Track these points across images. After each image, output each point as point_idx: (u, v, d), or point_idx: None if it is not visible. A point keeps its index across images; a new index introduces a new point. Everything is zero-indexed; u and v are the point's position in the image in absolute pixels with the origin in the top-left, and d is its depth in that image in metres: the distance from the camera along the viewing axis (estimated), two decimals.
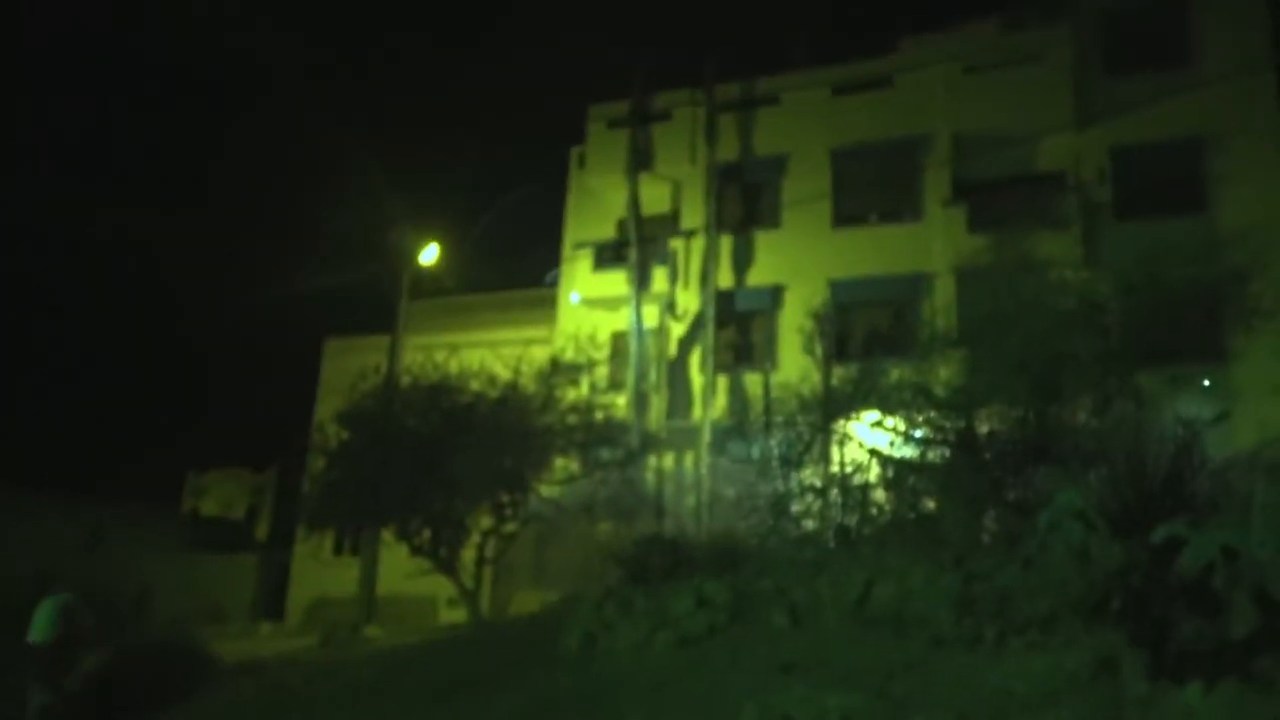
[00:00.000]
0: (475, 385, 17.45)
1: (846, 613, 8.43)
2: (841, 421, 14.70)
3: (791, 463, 14.87)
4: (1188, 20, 21.22)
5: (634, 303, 23.40)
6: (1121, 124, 20.90)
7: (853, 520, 12.89)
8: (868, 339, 21.84)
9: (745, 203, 24.53)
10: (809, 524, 13.69)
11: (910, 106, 22.73)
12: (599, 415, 18.80)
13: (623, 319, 23.81)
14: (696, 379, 23.00)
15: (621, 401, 22.25)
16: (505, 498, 17.29)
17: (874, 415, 13.99)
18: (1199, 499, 8.35)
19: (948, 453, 12.55)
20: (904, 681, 6.64)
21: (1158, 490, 8.39)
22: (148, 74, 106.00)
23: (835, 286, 22.09)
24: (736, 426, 19.97)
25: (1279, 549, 5.76)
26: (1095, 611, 6.52)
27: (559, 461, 18.11)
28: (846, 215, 23.16)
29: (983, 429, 12.35)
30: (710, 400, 22.26)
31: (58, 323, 68.09)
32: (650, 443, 21.28)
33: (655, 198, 24.84)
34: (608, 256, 24.60)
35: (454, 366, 17.87)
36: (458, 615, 19.00)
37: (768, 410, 18.60)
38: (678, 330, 23.77)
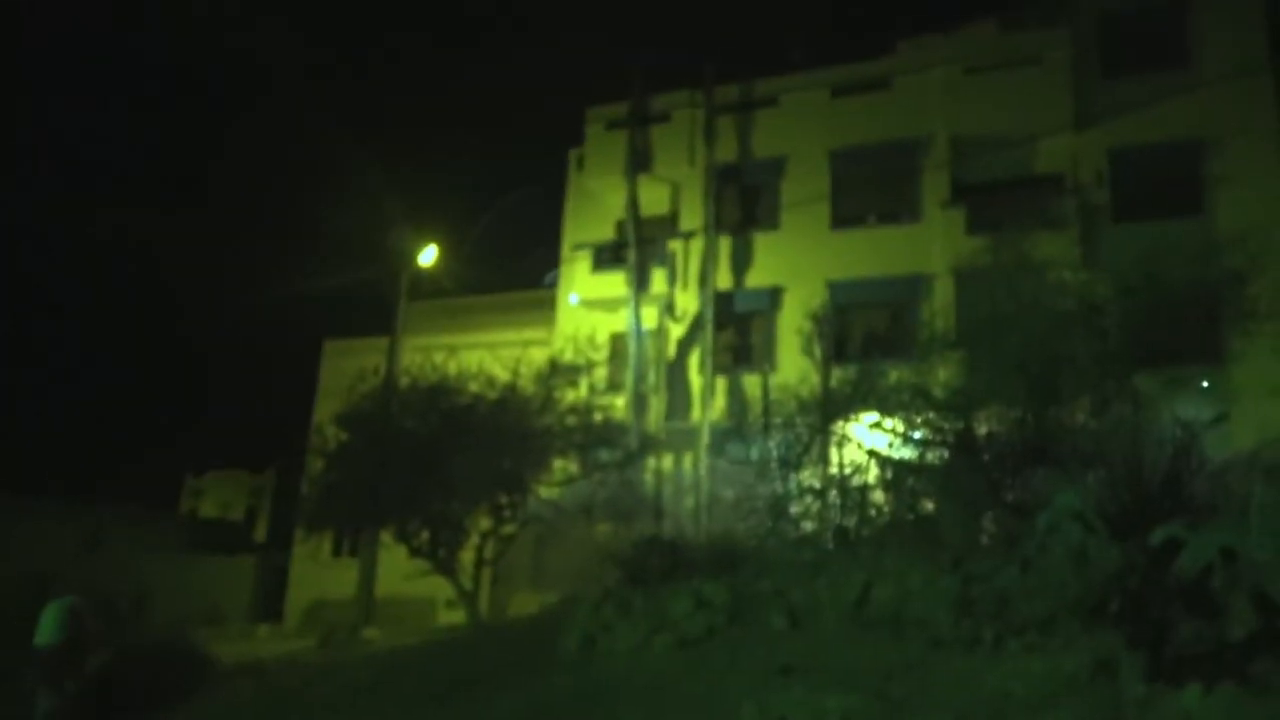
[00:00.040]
0: (474, 387, 17.44)
1: (845, 614, 8.43)
2: (840, 423, 14.69)
3: (790, 464, 14.86)
4: (1186, 22, 21.25)
5: (633, 304, 23.40)
6: (1120, 125, 20.93)
7: (851, 522, 12.89)
8: (866, 340, 21.86)
9: (744, 204, 24.55)
10: (808, 525, 13.69)
11: (909, 108, 22.75)
12: (598, 417, 18.80)
13: (621, 320, 23.82)
14: (695, 380, 23.01)
15: (620, 403, 22.26)
16: (504, 499, 17.28)
17: (873, 416, 13.98)
18: (1197, 500, 8.35)
19: (946, 454, 12.55)
20: (902, 683, 6.64)
21: (1156, 492, 8.39)
22: (148, 74, 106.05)
23: (834, 288, 22.11)
24: (735, 428, 19.98)
25: (1277, 550, 5.76)
26: (1094, 613, 6.52)
27: (558, 463, 18.10)
28: (845, 217, 23.18)
29: (981, 430, 12.35)
30: (709, 402, 22.26)
31: (58, 323, 68.12)
32: (649, 444, 21.28)
33: (654, 199, 24.86)
34: (606, 258, 24.61)
35: (453, 368, 17.87)
36: (456, 617, 18.99)
37: (766, 412, 18.61)
38: (676, 331, 23.78)
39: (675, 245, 24.09)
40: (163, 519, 34.19)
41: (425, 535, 17.08)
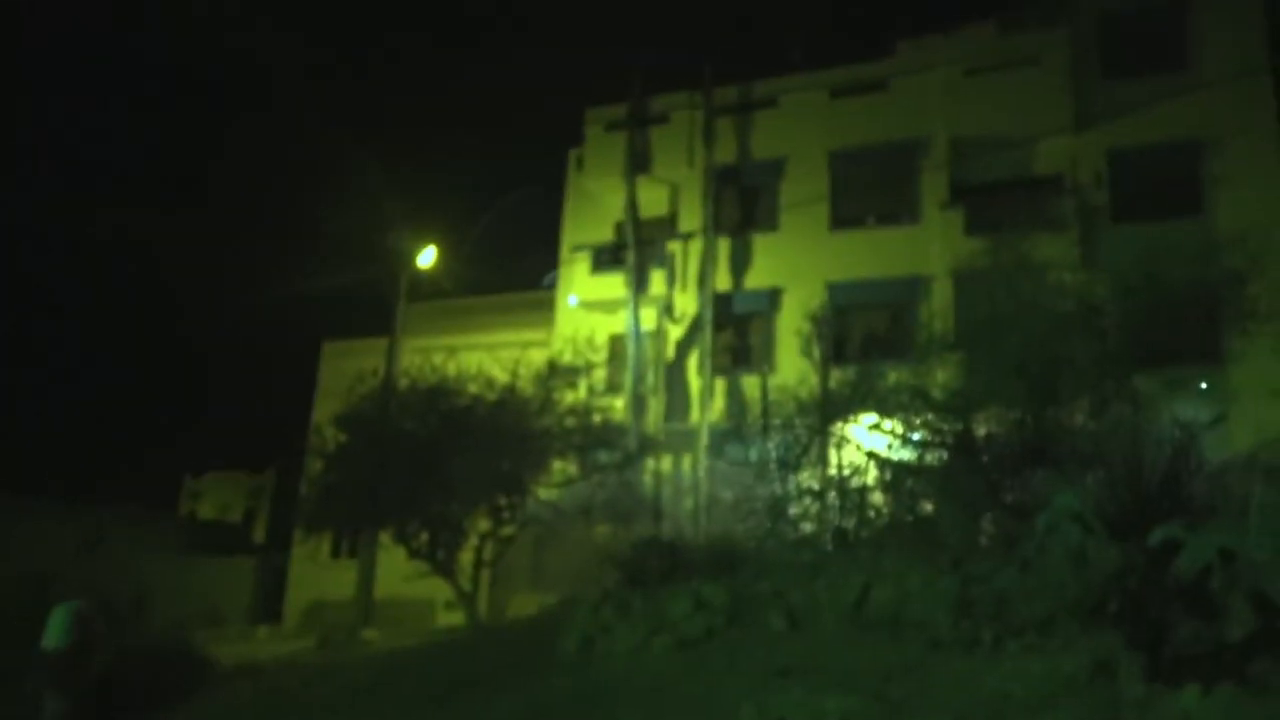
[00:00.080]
0: (473, 388, 17.44)
1: (844, 615, 8.43)
2: (839, 424, 14.68)
3: (789, 465, 14.85)
4: (1185, 23, 21.26)
5: (632, 305, 23.40)
6: (1119, 126, 20.94)
7: (850, 523, 12.89)
8: (865, 341, 21.86)
9: (743, 205, 24.55)
10: (807, 527, 13.68)
11: (908, 109, 22.75)
12: (597, 418, 18.80)
13: (620, 321, 23.82)
14: (694, 381, 23.01)
15: (619, 404, 22.25)
16: (503, 500, 17.28)
17: (872, 418, 13.98)
18: (1196, 501, 8.35)
19: (945, 455, 12.54)
20: (902, 684, 6.63)
21: (1155, 493, 8.40)
22: (148, 74, 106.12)
23: (833, 289, 22.11)
24: (734, 429, 19.97)
25: (1276, 551, 5.76)
26: (1093, 614, 6.52)
27: (557, 464, 18.10)
28: (844, 218, 23.18)
29: (980, 431, 12.35)
30: (708, 403, 22.25)
31: (58, 323, 68.13)
32: (648, 445, 21.29)
33: (653, 200, 24.86)
34: (605, 259, 24.61)
35: (452, 369, 17.87)
36: (455, 618, 18.98)
37: (765, 413, 18.60)
38: (675, 333, 23.78)
39: (674, 246, 24.09)
40: (162, 520, 34.13)
41: (424, 536, 17.08)
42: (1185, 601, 5.91)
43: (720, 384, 22.78)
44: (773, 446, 15.65)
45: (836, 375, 17.15)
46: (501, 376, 17.72)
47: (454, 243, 24.85)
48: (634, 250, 23.87)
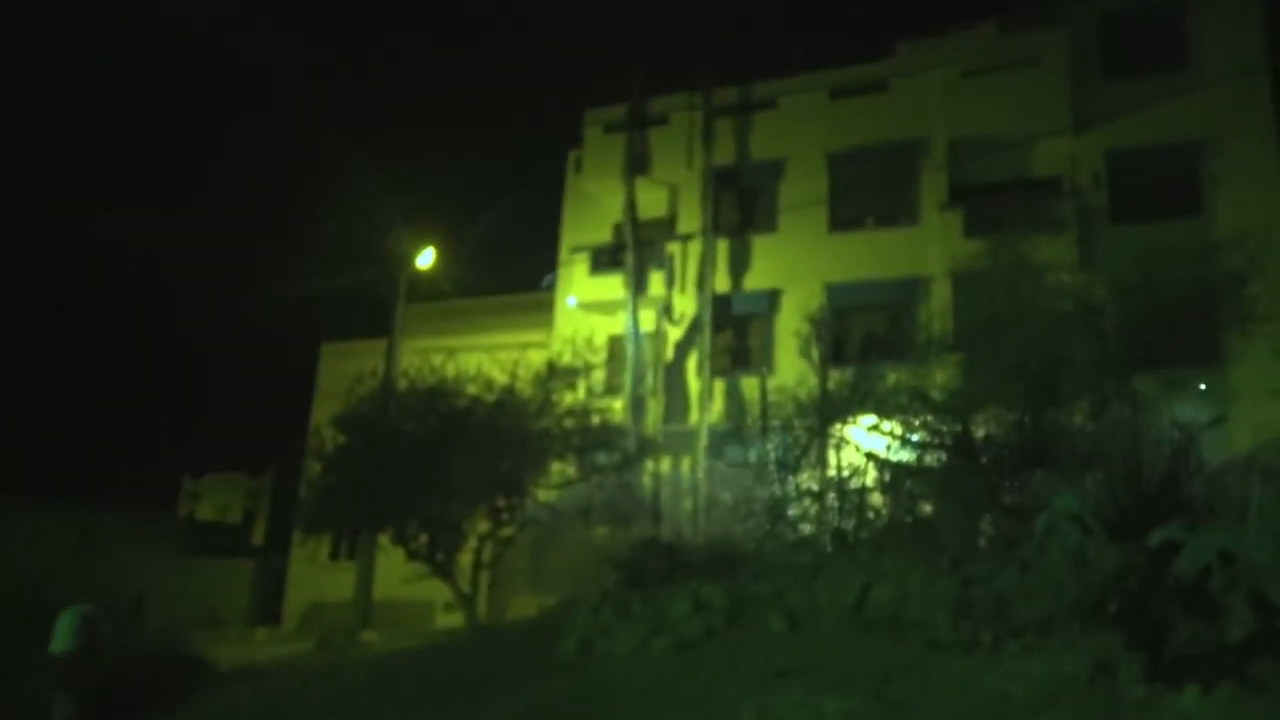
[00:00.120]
0: (472, 389, 17.44)
1: (844, 616, 8.42)
2: (838, 425, 14.68)
3: (788, 467, 14.85)
4: (1184, 24, 21.27)
5: (631, 307, 23.40)
6: (1118, 128, 20.94)
7: (850, 524, 12.87)
8: (864, 343, 21.87)
9: (742, 207, 24.56)
10: (806, 528, 13.66)
11: (907, 110, 22.76)
12: (596, 419, 18.81)
13: (619, 323, 23.82)
14: (693, 383, 23.01)
15: (618, 405, 22.25)
16: (502, 502, 17.28)
17: (871, 419, 13.98)
18: (1195, 502, 8.36)
19: (944, 457, 12.54)
20: (901, 685, 6.63)
21: (1154, 493, 8.40)
22: (148, 74, 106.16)
23: (832, 290, 22.11)
24: (733, 430, 19.97)
25: (1275, 552, 5.76)
26: (1092, 615, 6.51)
27: (556, 466, 18.10)
28: (843, 219, 23.18)
29: (979, 433, 12.35)
30: (707, 404, 22.25)
31: (58, 323, 68.14)
32: (647, 447, 21.28)
33: (652, 202, 24.86)
34: (604, 260, 24.61)
35: (451, 370, 17.87)
36: (454, 620, 18.96)
37: (764, 414, 18.60)
38: (674, 334, 23.78)
39: (673, 248, 24.10)
40: (161, 521, 34.15)
41: (423, 538, 17.08)
42: (1185, 602, 5.91)
43: (719, 385, 22.78)
44: (772, 448, 15.66)
45: (835, 376, 17.15)
46: (500, 378, 17.72)
47: (453, 244, 24.89)
48: (633, 251, 23.88)
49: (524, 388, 17.88)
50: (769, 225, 23.92)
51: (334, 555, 25.71)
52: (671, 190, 25.03)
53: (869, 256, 22.36)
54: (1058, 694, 5.91)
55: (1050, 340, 11.67)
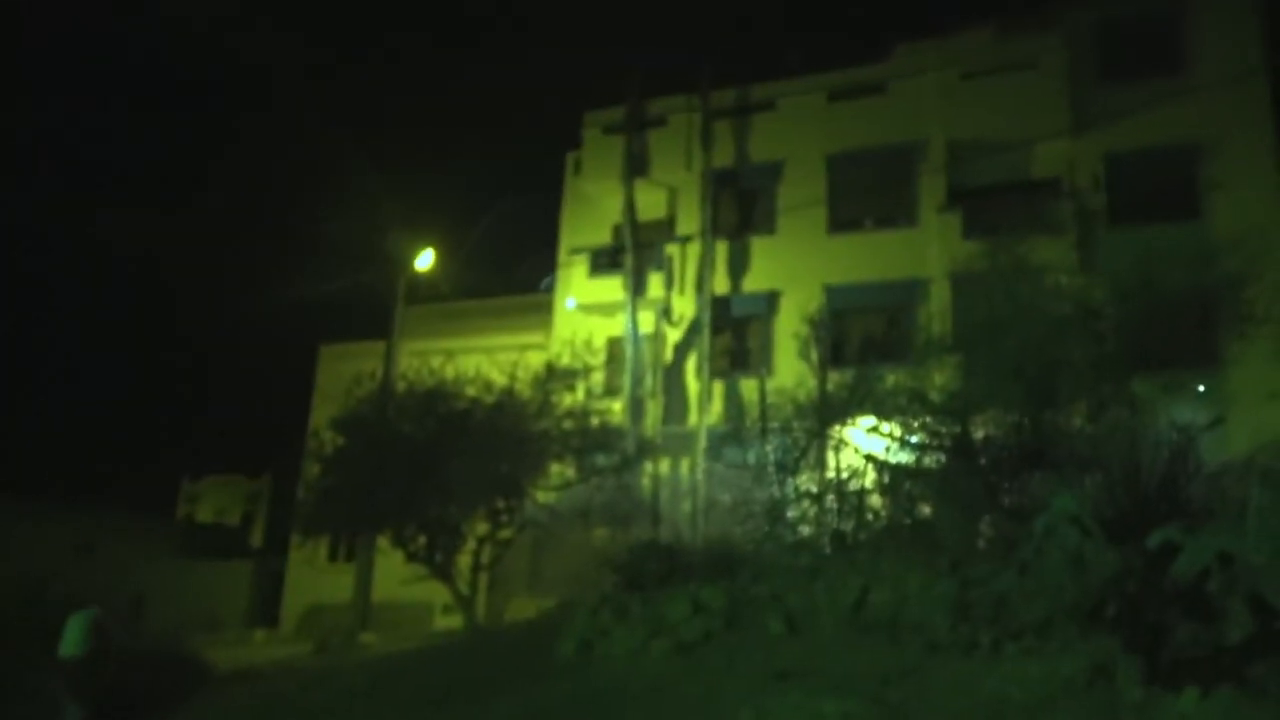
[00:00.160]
0: (471, 391, 17.42)
1: (842, 619, 8.43)
2: (837, 427, 14.70)
3: (787, 468, 14.86)
4: (1182, 27, 21.28)
5: (630, 308, 23.39)
6: (1116, 130, 20.94)
7: (848, 526, 12.88)
8: (863, 344, 21.85)
9: (741, 208, 24.55)
10: (805, 530, 13.67)
11: (906, 112, 22.77)
12: (595, 421, 18.79)
13: (618, 325, 23.81)
14: (692, 384, 23.00)
15: (617, 407, 22.24)
16: (501, 504, 17.27)
17: (870, 421, 13.99)
18: (1194, 504, 8.37)
19: (943, 458, 12.55)
20: (900, 687, 6.64)
21: (1153, 496, 8.41)
22: (148, 74, 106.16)
23: (831, 292, 22.09)
24: (732, 432, 19.97)
25: (1274, 554, 5.77)
26: (1091, 617, 6.52)
27: (555, 467, 18.08)
28: (842, 221, 23.18)
29: (978, 434, 12.35)
30: (706, 406, 22.25)
31: (58, 323, 68.10)
32: (646, 448, 21.27)
33: (651, 203, 24.86)
34: (603, 262, 24.60)
35: (449, 372, 17.85)
36: (453, 622, 18.96)
37: (763, 416, 18.62)
38: (673, 336, 23.77)
39: (672, 249, 24.09)
40: (159, 523, 34.15)
41: (422, 540, 17.06)
42: (1183, 604, 5.91)
43: (718, 387, 22.77)
44: (771, 449, 15.67)
45: (834, 378, 17.15)
46: (499, 379, 17.71)
47: (452, 245, 24.88)
48: (632, 253, 23.86)
49: (523, 389, 17.87)
50: (768, 227, 23.92)
51: (332, 557, 25.72)
52: (670, 192, 25.03)
53: (868, 258, 22.35)
54: (1056, 696, 5.92)
55: (1049, 342, 11.68)
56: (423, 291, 24.81)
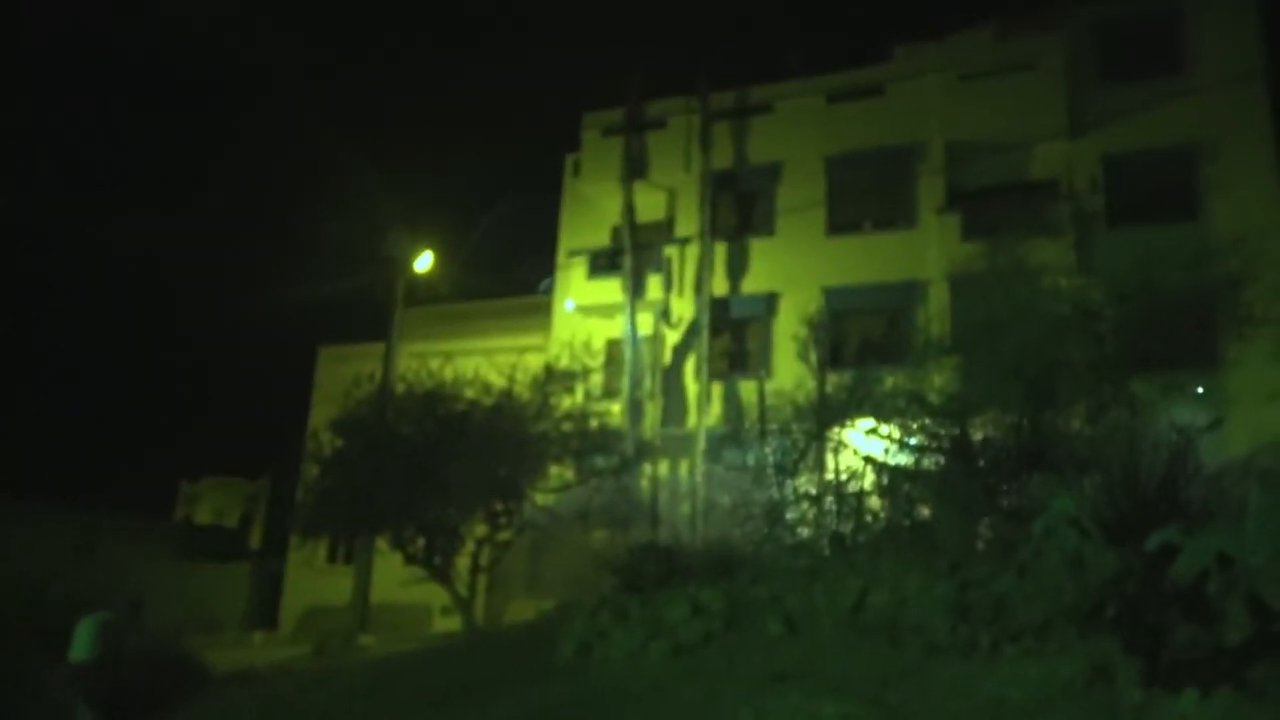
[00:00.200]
0: (470, 393, 17.41)
1: (841, 620, 8.42)
2: (836, 429, 14.69)
3: (786, 470, 14.86)
4: (1181, 28, 21.29)
5: (629, 310, 23.40)
6: (1115, 132, 20.95)
7: (848, 528, 12.87)
8: (862, 346, 21.84)
9: (740, 210, 24.56)
10: (804, 531, 13.67)
11: (904, 114, 22.78)
12: (594, 423, 18.79)
13: (617, 326, 23.81)
14: (691, 386, 23.00)
15: (616, 409, 22.24)
16: (500, 506, 17.25)
17: (869, 422, 13.99)
18: (1193, 506, 8.37)
19: (942, 460, 12.55)
20: (899, 689, 6.63)
21: (1152, 497, 8.41)
22: (148, 74, 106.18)
23: (830, 294, 22.10)
24: (731, 434, 19.98)
25: (1273, 555, 5.76)
26: (1090, 619, 6.52)
27: (554, 469, 18.08)
28: (841, 223, 23.19)
29: (977, 436, 12.36)
30: (705, 407, 22.25)
31: (57, 323, 68.08)
32: (645, 450, 21.27)
33: (650, 205, 24.86)
34: (602, 264, 24.61)
35: (448, 374, 17.83)
36: (452, 624, 18.95)
37: (762, 417, 18.62)
38: (672, 338, 23.77)
39: (671, 251, 24.10)
40: (158, 525, 34.11)
41: (421, 542, 17.05)
42: (1183, 606, 5.91)
43: (717, 389, 22.77)
44: (770, 451, 15.66)
45: (833, 380, 17.17)
46: (498, 381, 17.70)
47: (451, 247, 24.89)
48: (631, 255, 23.87)
49: (522, 391, 17.86)
50: (767, 229, 23.93)
51: (331, 559, 25.71)
52: (669, 194, 25.03)
53: (866, 260, 22.36)
54: (1055, 698, 5.91)
55: (1048, 343, 11.68)
56: (422, 293, 24.83)
